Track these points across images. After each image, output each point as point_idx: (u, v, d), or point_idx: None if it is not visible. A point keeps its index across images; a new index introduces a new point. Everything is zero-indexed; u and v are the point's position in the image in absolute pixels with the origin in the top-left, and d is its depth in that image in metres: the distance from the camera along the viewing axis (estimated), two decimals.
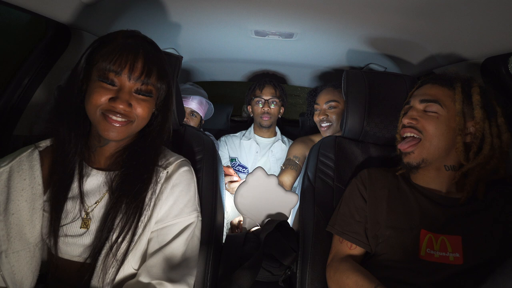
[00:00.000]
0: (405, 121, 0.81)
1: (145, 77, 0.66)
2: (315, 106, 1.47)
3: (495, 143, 0.74)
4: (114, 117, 0.65)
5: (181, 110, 0.93)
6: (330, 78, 1.80)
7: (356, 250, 0.84)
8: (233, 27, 1.23)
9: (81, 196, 0.69)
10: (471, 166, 0.75)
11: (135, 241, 0.66)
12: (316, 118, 1.46)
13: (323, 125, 1.42)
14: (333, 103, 1.39)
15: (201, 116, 1.61)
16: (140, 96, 0.67)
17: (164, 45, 1.44)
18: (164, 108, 0.75)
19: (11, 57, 1.04)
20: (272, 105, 1.61)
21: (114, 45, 0.66)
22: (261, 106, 1.61)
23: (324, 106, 1.42)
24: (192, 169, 0.79)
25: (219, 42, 1.43)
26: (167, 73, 0.72)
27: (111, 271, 0.63)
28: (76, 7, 0.93)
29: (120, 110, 0.64)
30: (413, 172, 0.84)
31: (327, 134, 1.41)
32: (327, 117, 1.40)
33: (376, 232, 0.81)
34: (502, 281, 0.52)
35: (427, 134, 0.77)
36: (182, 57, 0.90)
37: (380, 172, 0.89)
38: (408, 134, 0.80)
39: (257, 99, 1.62)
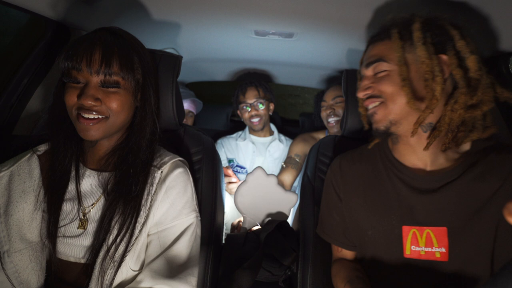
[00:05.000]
0: (360, 94, 0.72)
1: (105, 68, 0.63)
2: (322, 103, 1.49)
3: (456, 75, 0.63)
4: (86, 115, 0.63)
5: (181, 110, 0.93)
6: (330, 78, 1.80)
7: (343, 252, 0.81)
8: (233, 27, 1.23)
9: (78, 197, 0.69)
10: (445, 115, 0.65)
11: (132, 242, 0.66)
12: (323, 114, 1.47)
13: (330, 120, 1.43)
14: (339, 99, 1.42)
15: (194, 114, 1.79)
16: (109, 89, 0.65)
17: (164, 45, 1.44)
18: (143, 100, 0.72)
19: (10, 57, 1.04)
20: (260, 106, 1.60)
21: (72, 43, 0.65)
22: (249, 110, 1.61)
23: (331, 102, 1.44)
24: (187, 169, 0.78)
25: (219, 42, 1.43)
26: (133, 61, 0.68)
27: (109, 272, 0.63)
28: (75, 7, 0.93)
29: (87, 105, 0.63)
30: (393, 142, 0.76)
31: (335, 130, 1.42)
32: (333, 111, 1.42)
33: (359, 232, 0.76)
34: (502, 281, 0.52)
35: (386, 96, 0.67)
36: (182, 57, 0.90)
37: (353, 158, 0.81)
38: (371, 106, 0.71)
39: (242, 104, 1.61)
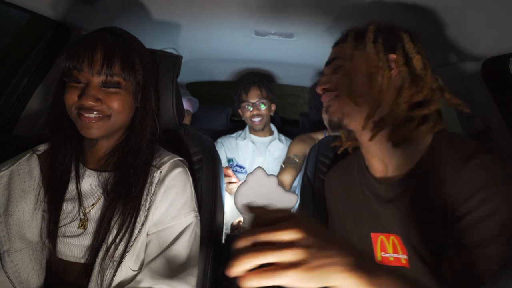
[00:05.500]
0: (318, 89, 0.76)
1: (107, 68, 0.63)
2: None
3: (401, 72, 0.67)
4: (86, 114, 0.63)
5: (181, 110, 0.93)
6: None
7: None
8: (233, 27, 1.23)
9: (79, 196, 0.69)
10: (392, 109, 0.67)
11: (132, 241, 0.66)
12: (325, 115, 1.46)
13: None
14: None
15: (191, 112, 1.82)
16: (110, 89, 0.65)
17: (164, 45, 1.44)
18: (143, 101, 0.72)
19: (10, 57, 1.04)
20: (262, 106, 1.60)
21: (73, 43, 0.65)
22: (250, 109, 1.61)
23: None
24: (187, 169, 0.78)
25: (219, 42, 1.43)
26: (134, 62, 0.68)
27: (109, 272, 0.63)
28: (75, 6, 0.93)
29: (88, 105, 0.63)
30: (361, 148, 0.78)
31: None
32: None
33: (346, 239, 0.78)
34: (502, 281, 0.52)
35: (341, 89, 0.71)
36: (182, 57, 0.90)
37: (337, 167, 0.87)
38: (327, 99, 0.74)
39: (245, 103, 1.61)
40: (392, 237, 0.68)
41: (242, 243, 0.40)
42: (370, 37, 0.69)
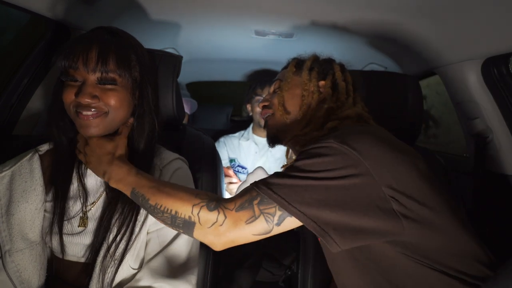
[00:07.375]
0: (260, 106, 0.87)
1: (102, 66, 0.63)
2: None
3: (326, 93, 0.77)
4: (84, 112, 0.63)
5: (181, 110, 0.93)
6: None
7: None
8: (233, 27, 1.23)
9: (82, 195, 0.69)
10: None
11: (132, 240, 0.66)
12: None
13: None
14: None
15: (188, 114, 1.83)
16: (106, 86, 0.65)
17: (164, 45, 1.44)
18: (141, 98, 0.71)
19: (10, 57, 1.04)
20: None
21: (69, 42, 0.65)
22: None
23: None
24: (188, 168, 0.79)
25: (219, 42, 1.43)
26: (130, 59, 0.67)
27: (110, 270, 0.63)
28: (76, 7, 0.93)
29: (85, 103, 0.62)
30: None
31: None
32: None
33: None
34: (502, 281, 0.52)
35: (275, 107, 0.79)
36: (182, 57, 0.90)
37: None
38: (265, 116, 0.83)
39: (258, 97, 1.60)
40: None
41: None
42: (307, 65, 0.79)
